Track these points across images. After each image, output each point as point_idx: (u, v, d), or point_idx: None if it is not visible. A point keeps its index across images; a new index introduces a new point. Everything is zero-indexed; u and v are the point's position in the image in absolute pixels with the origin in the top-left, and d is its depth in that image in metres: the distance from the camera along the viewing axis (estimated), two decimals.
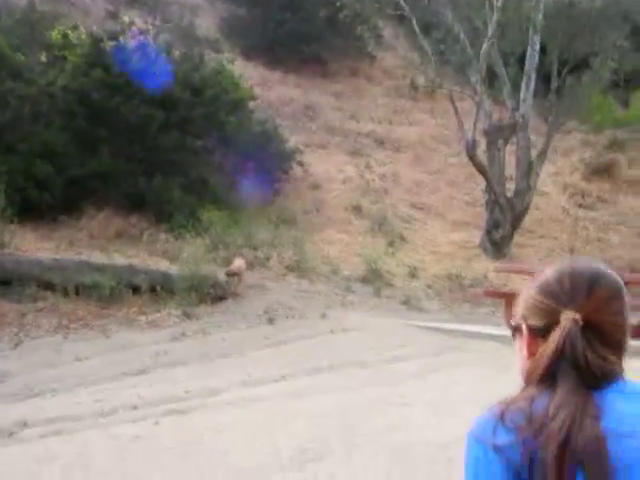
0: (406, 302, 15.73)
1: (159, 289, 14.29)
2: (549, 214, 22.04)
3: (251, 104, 20.59)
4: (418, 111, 26.12)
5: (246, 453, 6.84)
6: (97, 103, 17.32)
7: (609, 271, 1.82)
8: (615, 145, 25.03)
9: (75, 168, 16.99)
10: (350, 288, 15.91)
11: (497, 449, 1.65)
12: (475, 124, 19.07)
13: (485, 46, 18.87)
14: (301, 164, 20.85)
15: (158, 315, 13.74)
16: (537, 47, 20.04)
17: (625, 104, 24.89)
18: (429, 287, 17.04)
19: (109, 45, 17.57)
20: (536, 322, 1.78)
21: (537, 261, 18.82)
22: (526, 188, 19.77)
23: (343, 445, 6.96)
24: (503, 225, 19.51)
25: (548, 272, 1.84)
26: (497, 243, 19.45)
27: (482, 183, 20.95)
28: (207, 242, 16.44)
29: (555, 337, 1.72)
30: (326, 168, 21.89)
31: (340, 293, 15.60)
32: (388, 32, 29.51)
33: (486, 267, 17.98)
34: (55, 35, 17.89)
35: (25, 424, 8.30)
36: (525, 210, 19.92)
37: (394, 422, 7.56)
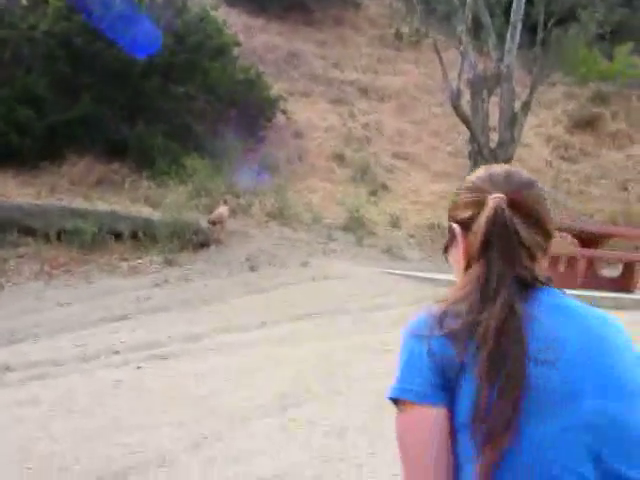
0: (388, 251, 15.79)
1: (141, 236, 14.28)
2: (531, 166, 21.99)
3: (235, 51, 20.43)
4: (403, 61, 25.98)
5: (227, 398, 6.88)
6: (79, 48, 17.14)
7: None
8: (599, 98, 25.02)
9: (56, 113, 16.87)
10: (332, 236, 15.94)
11: (429, 349, 1.70)
12: (460, 74, 19.01)
13: None
14: (284, 112, 20.73)
15: (140, 262, 13.74)
16: None
17: (610, 57, 24.79)
18: (411, 236, 17.10)
19: None
20: (465, 214, 1.85)
21: None
22: (510, 139, 19.74)
23: (325, 391, 7.01)
24: None
25: (467, 178, 1.94)
26: None
27: (465, 134, 20.93)
28: (190, 189, 16.40)
29: (485, 211, 1.79)
30: (309, 116, 21.80)
31: (322, 241, 15.62)
32: None
33: None
34: None
35: (7, 368, 8.32)
36: (508, 161, 19.84)
37: (376, 368, 7.59)
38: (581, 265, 13.04)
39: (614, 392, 1.68)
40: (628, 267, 13.70)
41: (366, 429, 6.03)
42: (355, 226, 16.49)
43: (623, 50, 24.07)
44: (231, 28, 21.06)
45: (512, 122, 19.80)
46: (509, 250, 1.76)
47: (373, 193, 18.77)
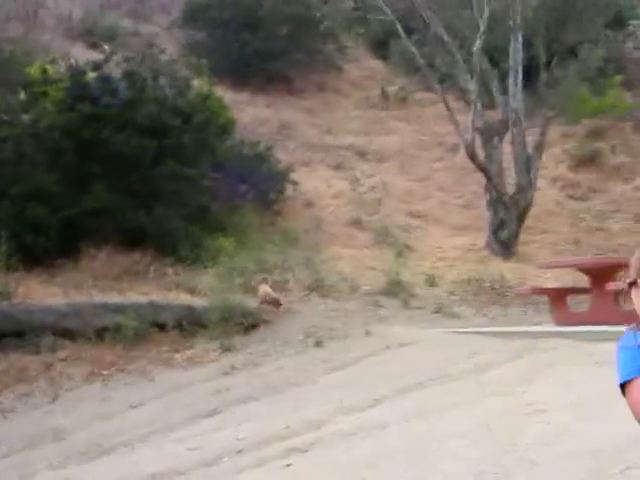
0: (438, 311, 15.20)
1: (185, 324, 13.48)
2: (544, 208, 21.58)
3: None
4: (392, 119, 25.54)
5: None
6: (85, 138, 16.40)
7: None
8: (595, 134, 24.73)
9: (69, 207, 16.05)
10: (378, 302, 15.30)
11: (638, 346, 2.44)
12: (473, 123, 18.65)
13: (478, 43, 18.41)
14: (296, 183, 20.14)
15: (193, 351, 12.93)
16: (520, 40, 19.58)
17: (599, 93, 24.56)
18: (451, 294, 16.52)
19: (92, 77, 16.72)
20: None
21: (549, 255, 18.50)
22: (528, 184, 19.32)
23: (514, 462, 6.26)
24: (509, 224, 19.02)
25: None
26: (505, 242, 18.94)
27: (470, 185, 20.74)
28: (220, 271, 15.64)
29: None
30: (314, 185, 21.23)
31: (370, 309, 14.97)
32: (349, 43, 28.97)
33: (500, 267, 17.54)
34: (34, 71, 16.94)
35: None
36: (529, 207, 19.45)
37: (547, 431, 6.88)
38: None
39: None
40: None
41: None
42: (396, 290, 15.86)
43: (614, 83, 23.87)
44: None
45: (527, 166, 19.41)
46: None
47: (399, 254, 18.14)
